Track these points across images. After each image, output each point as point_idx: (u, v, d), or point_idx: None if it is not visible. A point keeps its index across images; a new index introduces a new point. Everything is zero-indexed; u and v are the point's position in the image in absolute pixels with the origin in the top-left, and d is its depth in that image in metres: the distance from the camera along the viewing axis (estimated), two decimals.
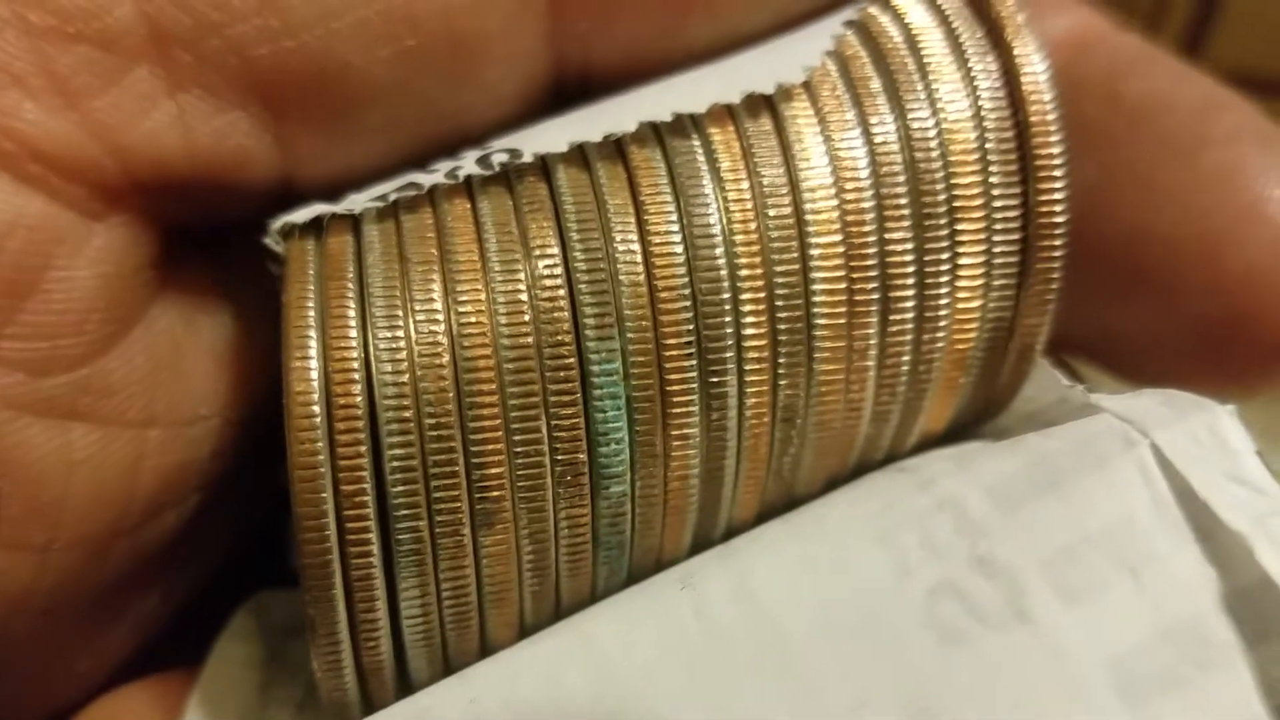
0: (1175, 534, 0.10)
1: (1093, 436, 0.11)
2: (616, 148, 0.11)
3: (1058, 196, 0.11)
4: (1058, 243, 0.11)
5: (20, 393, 0.10)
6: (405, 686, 0.11)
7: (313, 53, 0.10)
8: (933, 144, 0.11)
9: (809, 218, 0.11)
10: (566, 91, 0.12)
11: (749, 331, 0.10)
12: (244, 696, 0.13)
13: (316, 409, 0.10)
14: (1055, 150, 0.11)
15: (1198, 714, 0.10)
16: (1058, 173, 0.11)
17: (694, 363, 0.10)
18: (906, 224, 0.11)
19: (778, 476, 0.11)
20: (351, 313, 0.10)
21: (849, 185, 0.11)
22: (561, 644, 0.11)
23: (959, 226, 0.11)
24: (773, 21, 0.12)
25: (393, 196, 0.11)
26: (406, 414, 0.10)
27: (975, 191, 0.11)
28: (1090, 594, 0.10)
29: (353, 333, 0.10)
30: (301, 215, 0.11)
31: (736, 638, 0.10)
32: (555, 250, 0.11)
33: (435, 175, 0.11)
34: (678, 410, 0.11)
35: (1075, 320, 0.12)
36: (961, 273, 0.11)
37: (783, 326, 0.11)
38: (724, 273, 0.10)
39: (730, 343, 0.10)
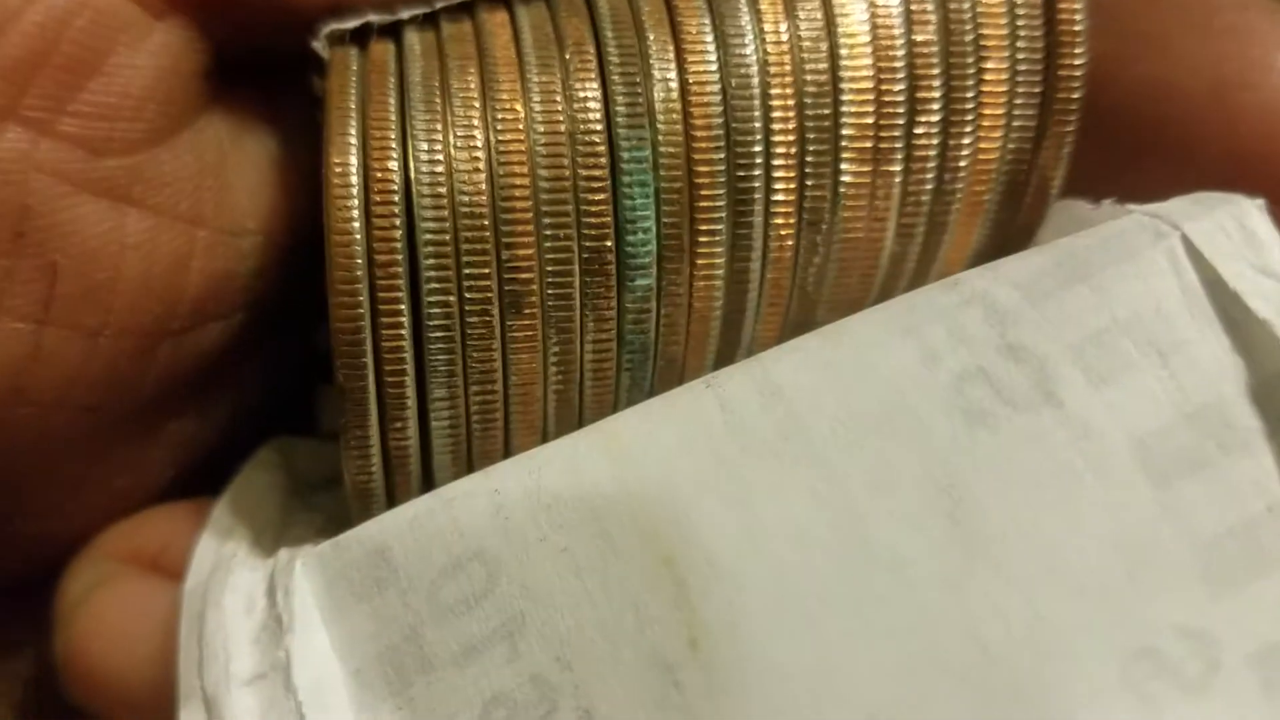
0: (1203, 321, 0.10)
1: (1123, 231, 0.11)
2: None
3: (1078, 38, 0.11)
4: (1076, 83, 0.11)
5: (80, 169, 0.11)
6: (429, 485, 0.12)
7: None
8: None
9: (839, 19, 0.11)
10: None
11: (777, 129, 0.11)
12: (267, 513, 0.13)
13: (354, 178, 0.10)
14: (1077, 3, 0.11)
15: (1220, 493, 0.10)
16: (1079, 18, 0.11)
17: (722, 156, 0.11)
18: (933, 33, 0.11)
19: (802, 292, 0.12)
20: (392, 100, 0.11)
21: (880, 2, 0.11)
22: (584, 439, 0.11)
23: (984, 55, 0.11)
24: None
25: (438, 5, 0.11)
26: (441, 189, 0.11)
27: (1002, 27, 0.11)
28: (1117, 377, 0.10)
29: (392, 116, 0.11)
30: (348, 24, 0.11)
31: (759, 429, 0.11)
32: (590, 48, 0.11)
33: None
34: (704, 204, 0.11)
35: (1101, 180, 0.12)
36: (986, 89, 0.11)
37: (810, 126, 0.11)
38: (754, 70, 0.11)
39: (759, 139, 0.11)
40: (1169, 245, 0.11)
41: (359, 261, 0.10)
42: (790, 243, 0.11)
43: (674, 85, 0.11)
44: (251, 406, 0.14)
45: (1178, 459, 0.10)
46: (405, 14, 0.12)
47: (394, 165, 0.10)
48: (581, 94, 0.11)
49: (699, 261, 0.11)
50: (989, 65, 0.11)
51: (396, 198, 0.10)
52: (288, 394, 0.15)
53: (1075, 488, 0.10)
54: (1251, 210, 0.11)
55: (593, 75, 0.11)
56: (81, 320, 0.11)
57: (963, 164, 0.11)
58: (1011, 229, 0.12)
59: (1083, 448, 0.10)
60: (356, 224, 0.10)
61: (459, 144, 0.11)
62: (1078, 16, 0.11)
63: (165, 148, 0.11)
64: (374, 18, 0.12)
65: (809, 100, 0.11)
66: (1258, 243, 0.10)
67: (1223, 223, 0.11)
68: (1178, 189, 0.13)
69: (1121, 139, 0.13)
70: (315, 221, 0.11)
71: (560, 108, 0.11)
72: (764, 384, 0.11)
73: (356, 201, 0.10)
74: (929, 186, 0.11)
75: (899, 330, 0.11)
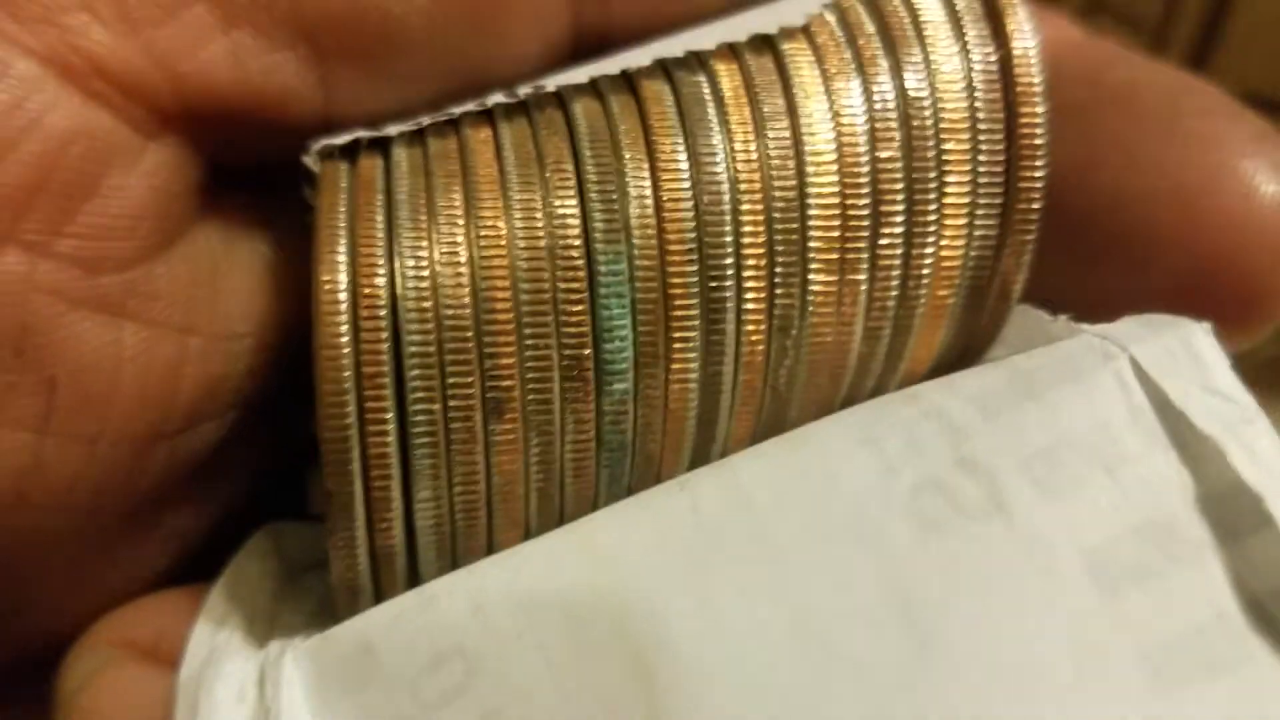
0: (1150, 438, 0.11)
1: (1072, 352, 0.11)
2: (627, 81, 0.12)
3: (1039, 151, 0.12)
4: (1036, 194, 0.12)
5: (77, 287, 0.11)
6: (414, 580, 0.12)
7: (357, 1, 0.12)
8: (925, 101, 0.12)
9: (805, 139, 0.11)
10: (586, 53, 0.13)
11: (747, 241, 0.11)
12: (259, 600, 0.13)
13: (343, 295, 0.11)
14: (1038, 118, 0.12)
15: (1167, 601, 0.10)
16: (1039, 132, 0.12)
17: (695, 269, 0.11)
18: (897, 149, 0.12)
19: (774, 392, 0.12)
20: (379, 218, 0.11)
21: (844, 116, 0.12)
22: (563, 540, 0.12)
23: (946, 169, 0.12)
24: None
25: (425, 122, 0.12)
26: (426, 304, 0.11)
27: (964, 142, 0.12)
28: (1066, 490, 0.11)
29: (379, 233, 0.11)
30: (338, 140, 0.12)
31: (728, 534, 0.11)
32: (569, 166, 0.11)
33: (464, 107, 0.12)
34: (679, 313, 0.11)
35: (1063, 285, 0.13)
36: (948, 201, 0.12)
37: (779, 239, 0.11)
38: (725, 187, 0.11)
39: (730, 252, 0.11)
40: (1117, 367, 0.11)
41: (347, 375, 0.11)
42: (761, 347, 0.12)
43: (649, 202, 0.11)
44: (244, 494, 0.15)
45: (1125, 569, 0.10)
46: (393, 130, 0.12)
47: (381, 282, 0.11)
48: (560, 211, 0.11)
49: (674, 367, 0.11)
50: (950, 179, 0.12)
51: (383, 312, 0.11)
52: (279, 475, 0.15)
53: (1024, 593, 0.10)
54: (1197, 332, 0.11)
55: (571, 193, 0.11)
56: (80, 429, 0.12)
57: (925, 271, 0.12)
58: (975, 331, 0.13)
59: (1032, 556, 0.10)
60: (345, 339, 0.11)
61: (443, 259, 0.11)
62: (1038, 131, 0.12)
63: (159, 261, 0.12)
64: (363, 133, 0.12)
65: (777, 215, 0.11)
66: (1203, 364, 0.11)
67: (1169, 345, 0.11)
68: (1141, 293, 0.13)
69: (1087, 243, 0.13)
70: (305, 320, 0.11)
71: (540, 224, 0.11)
72: (734, 490, 0.11)
73: (345, 318, 0.11)
74: (894, 292, 0.12)
75: (860, 441, 0.11)
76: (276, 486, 0.15)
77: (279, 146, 0.13)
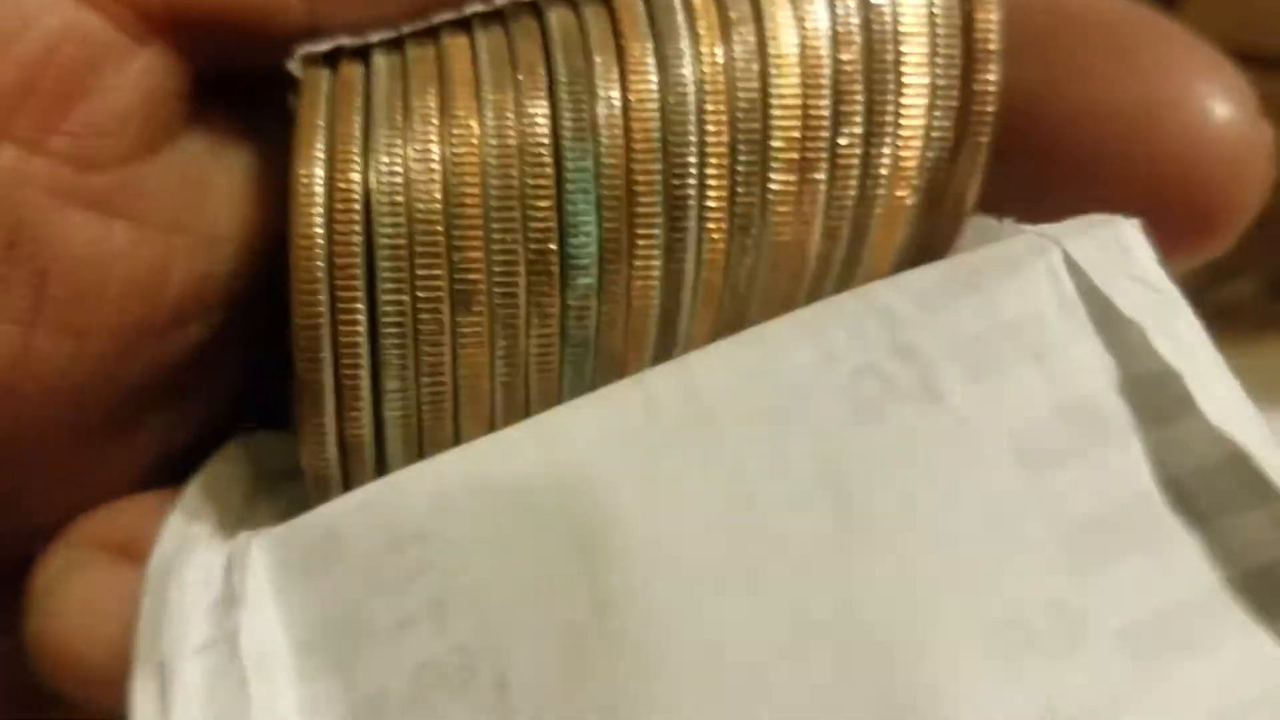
0: (1078, 326, 0.11)
1: (1011, 248, 0.12)
2: None
3: (992, 55, 0.12)
4: (989, 97, 0.12)
5: (69, 184, 0.12)
6: (382, 471, 0.12)
7: None
8: (885, 5, 0.12)
9: (770, 41, 0.12)
10: None
11: (711, 141, 0.12)
12: (232, 500, 0.13)
13: (319, 189, 0.11)
14: (992, 24, 0.12)
15: (1089, 480, 0.10)
16: (993, 36, 0.12)
17: (659, 168, 0.12)
18: (857, 52, 0.12)
19: (734, 292, 0.12)
20: (357, 118, 0.12)
21: (807, 22, 0.12)
22: (522, 430, 0.12)
23: (904, 71, 0.12)
24: None
25: (405, 30, 0.12)
26: (399, 198, 0.11)
27: (921, 45, 0.12)
28: (995, 375, 0.11)
29: (356, 133, 0.12)
30: (322, 47, 0.12)
31: (675, 421, 0.11)
32: (541, 70, 0.12)
33: (442, 16, 0.13)
34: (642, 210, 0.12)
35: (1020, 205, 0.13)
36: (905, 102, 0.12)
37: (741, 139, 0.12)
38: (690, 89, 0.12)
39: (693, 152, 0.12)
40: (1050, 260, 0.11)
41: (320, 264, 0.11)
42: (722, 246, 0.12)
43: (617, 102, 0.12)
44: (227, 401, 0.15)
45: (1051, 450, 0.10)
46: (375, 38, 0.13)
47: (356, 177, 0.11)
48: (530, 110, 0.12)
49: (637, 263, 0.12)
50: (908, 81, 0.12)
51: (357, 206, 0.11)
52: (261, 390, 0.15)
53: (952, 474, 0.10)
54: (1126, 227, 0.11)
55: (542, 94, 0.12)
56: (70, 321, 0.12)
57: (884, 172, 0.12)
58: (932, 235, 0.13)
59: (960, 437, 0.11)
60: (319, 230, 0.11)
61: (416, 157, 0.11)
62: (992, 35, 0.12)
63: (149, 163, 0.12)
64: (346, 41, 0.12)
65: (740, 115, 0.12)
66: (1131, 256, 0.11)
67: (1101, 238, 0.11)
68: (1104, 209, 0.13)
69: (1043, 161, 0.13)
70: (286, 225, 0.12)
71: (511, 123, 0.12)
72: (685, 382, 0.11)
73: (320, 209, 0.11)
74: (852, 193, 0.12)
75: (806, 333, 0.11)
76: (258, 401, 0.15)
77: (265, 56, 0.13)
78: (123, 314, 0.12)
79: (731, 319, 0.12)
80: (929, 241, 0.13)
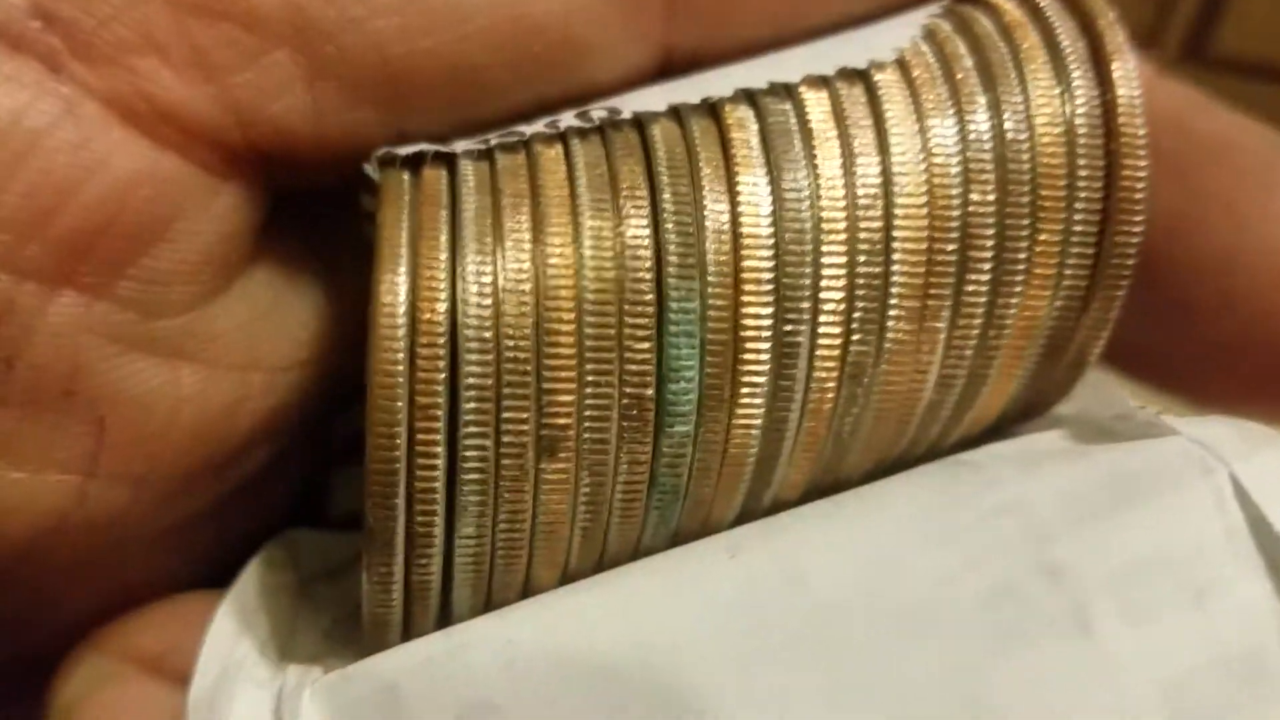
0: (1245, 564, 0.10)
1: (1169, 459, 0.11)
2: (711, 108, 0.11)
3: (1138, 206, 0.11)
4: (1131, 251, 0.11)
5: (130, 331, 0.11)
6: (444, 618, 0.11)
7: (446, 53, 0.11)
8: (1024, 144, 0.11)
9: (896, 179, 0.11)
10: (673, 73, 0.12)
11: (826, 285, 0.11)
12: (274, 616, 0.13)
13: (401, 320, 0.10)
14: (1140, 172, 0.11)
15: None
16: (1140, 186, 0.11)
17: (770, 311, 0.11)
18: (990, 193, 0.11)
19: (837, 437, 0.11)
20: (443, 237, 0.11)
21: (937, 156, 0.11)
22: (602, 597, 0.11)
23: (1040, 216, 0.11)
24: (878, 7, 0.12)
25: (493, 141, 0.11)
26: (487, 334, 0.10)
27: (1060, 190, 0.11)
28: (1153, 614, 0.10)
29: (442, 255, 0.10)
30: (402, 150, 0.11)
31: (781, 621, 0.10)
32: (644, 193, 0.11)
33: (534, 127, 0.11)
34: (749, 357, 0.11)
35: (1156, 339, 0.12)
36: (1039, 249, 0.11)
37: (861, 283, 0.11)
38: (808, 226, 0.11)
39: (808, 295, 0.11)
40: (1216, 482, 0.10)
41: (400, 405, 0.10)
42: (831, 395, 0.11)
43: (727, 237, 0.11)
44: (271, 507, 0.14)
45: (1208, 706, 0.10)
46: (460, 145, 0.11)
47: (442, 308, 0.10)
48: (633, 241, 0.11)
49: (739, 411, 0.11)
50: (1044, 227, 0.11)
51: (442, 340, 0.10)
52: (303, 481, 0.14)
53: None
54: None
55: (645, 222, 0.11)
56: (129, 469, 0.11)
57: (1009, 320, 0.11)
58: (1047, 386, 0.12)
59: (1110, 683, 0.10)
60: (401, 368, 0.10)
61: (508, 287, 0.10)
62: (1139, 185, 0.11)
63: (218, 304, 0.11)
64: (427, 146, 0.11)
65: (861, 258, 0.11)
66: None
67: (1271, 464, 0.10)
68: (1239, 352, 0.12)
69: (1185, 301, 0.12)
70: (363, 338, 0.11)
71: (610, 254, 0.10)
72: (790, 567, 0.10)
73: (403, 344, 0.10)
74: (973, 342, 0.11)
75: (934, 531, 0.10)
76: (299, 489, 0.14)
77: (343, 174, 0.12)
78: (189, 456, 0.12)
79: (829, 464, 0.12)
80: (1043, 391, 0.12)
